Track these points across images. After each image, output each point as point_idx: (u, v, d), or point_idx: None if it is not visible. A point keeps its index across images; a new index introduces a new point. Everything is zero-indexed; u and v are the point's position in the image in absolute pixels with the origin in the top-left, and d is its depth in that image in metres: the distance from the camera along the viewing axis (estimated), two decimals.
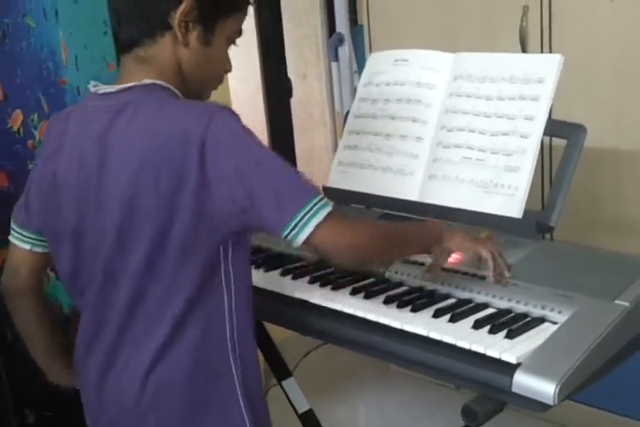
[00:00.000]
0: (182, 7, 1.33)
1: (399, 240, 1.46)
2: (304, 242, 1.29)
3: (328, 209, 1.29)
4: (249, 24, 3.41)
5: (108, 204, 1.34)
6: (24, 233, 1.51)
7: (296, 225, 1.27)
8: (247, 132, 1.29)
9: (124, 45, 1.39)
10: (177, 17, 1.34)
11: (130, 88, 1.35)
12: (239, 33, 1.45)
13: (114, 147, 1.32)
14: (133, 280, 1.35)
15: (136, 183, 1.29)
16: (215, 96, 2.85)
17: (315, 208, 1.27)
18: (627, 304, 1.35)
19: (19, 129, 2.18)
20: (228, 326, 1.37)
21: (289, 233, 1.28)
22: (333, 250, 1.33)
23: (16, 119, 2.17)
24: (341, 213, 1.32)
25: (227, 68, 1.47)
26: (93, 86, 1.40)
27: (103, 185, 1.34)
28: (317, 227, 1.27)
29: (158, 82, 1.36)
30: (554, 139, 1.99)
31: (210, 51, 1.40)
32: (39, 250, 1.52)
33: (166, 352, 1.36)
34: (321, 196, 1.30)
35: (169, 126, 1.28)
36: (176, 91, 1.38)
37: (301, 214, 1.27)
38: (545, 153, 2.36)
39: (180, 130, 1.26)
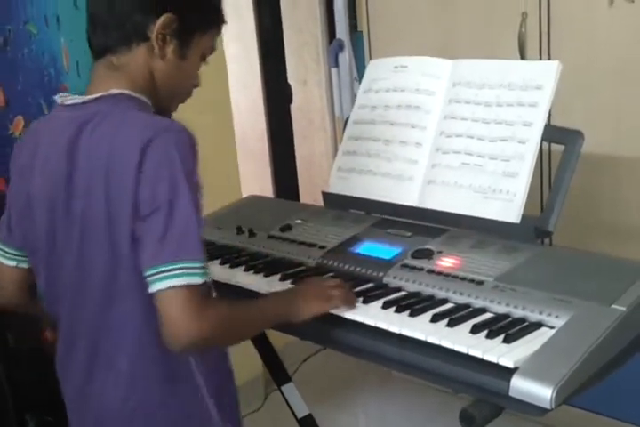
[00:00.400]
0: (162, 20, 1.34)
1: (247, 327, 1.43)
2: (155, 293, 1.25)
3: (195, 280, 1.24)
4: (249, 31, 3.44)
5: (74, 219, 1.35)
6: (7, 250, 1.51)
7: (159, 272, 1.24)
8: (184, 163, 1.27)
9: (97, 51, 1.39)
10: (156, 29, 1.35)
11: (97, 98, 1.35)
12: (212, 49, 1.47)
13: (79, 159, 1.33)
14: (96, 304, 1.37)
15: (92, 197, 1.31)
16: (216, 104, 2.87)
17: (184, 271, 1.23)
18: (624, 309, 1.36)
19: (20, 135, 2.19)
20: None
21: (149, 276, 1.25)
22: (171, 323, 1.25)
23: (17, 125, 2.18)
24: (203, 294, 1.27)
25: (196, 83, 1.49)
26: (60, 97, 1.41)
27: (70, 199, 1.35)
28: (171, 289, 1.23)
29: (127, 92, 1.36)
30: (553, 144, 2.00)
31: (184, 64, 1.41)
32: (25, 266, 1.51)
33: (136, 381, 1.38)
34: (200, 264, 1.25)
35: (120, 144, 1.28)
36: (145, 99, 1.38)
37: (169, 267, 1.23)
38: (544, 158, 2.37)
39: (127, 149, 1.27)
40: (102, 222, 1.30)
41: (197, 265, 1.25)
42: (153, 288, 1.25)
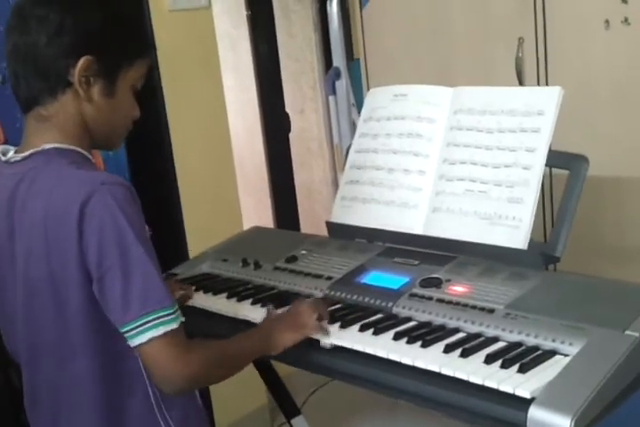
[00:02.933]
0: (81, 64, 1.31)
1: (232, 363, 1.43)
2: (137, 347, 1.28)
3: (171, 327, 1.27)
4: (246, 61, 3.45)
5: (18, 280, 1.35)
6: None
7: (135, 328, 1.26)
8: (127, 216, 1.26)
9: (24, 104, 1.37)
10: (77, 74, 1.31)
11: (31, 155, 1.34)
12: (143, 79, 1.43)
13: (17, 219, 1.33)
14: (50, 362, 1.37)
15: (33, 259, 1.31)
16: (214, 134, 2.88)
17: (158, 321, 1.25)
18: (637, 335, 1.34)
19: None
20: (150, 389, 1.38)
21: (127, 332, 1.27)
22: (160, 370, 1.29)
23: None
24: (184, 336, 1.30)
25: (134, 114, 1.44)
26: (1, 153, 1.40)
27: (14, 259, 1.35)
28: (152, 340, 1.26)
29: (58, 145, 1.34)
30: (554, 168, 1.99)
31: (114, 102, 1.38)
32: None
33: None
34: (171, 310, 1.27)
35: (56, 202, 1.28)
36: (79, 149, 1.36)
37: (142, 321, 1.25)
38: (545, 182, 2.36)
39: (65, 206, 1.26)
40: (46, 284, 1.31)
41: (169, 311, 1.27)
42: (133, 343, 1.27)
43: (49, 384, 1.41)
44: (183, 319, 1.30)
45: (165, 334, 1.26)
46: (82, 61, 1.31)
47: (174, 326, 1.27)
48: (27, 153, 1.35)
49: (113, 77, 1.36)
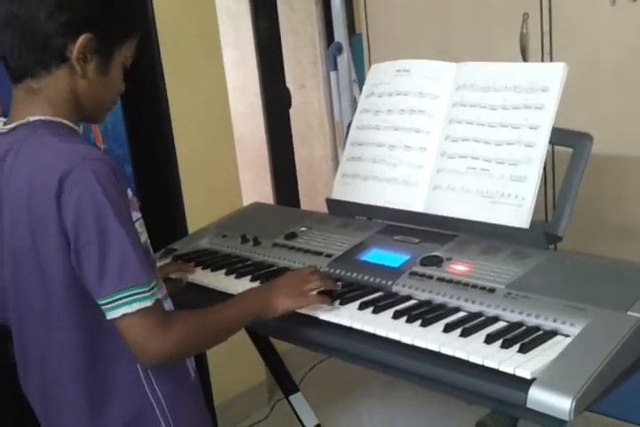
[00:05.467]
0: (81, 41, 1.31)
1: (215, 334, 1.43)
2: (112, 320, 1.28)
3: (145, 304, 1.27)
4: (246, 35, 3.41)
5: (4, 250, 1.37)
6: None
7: (109, 302, 1.26)
8: (106, 192, 1.26)
9: (16, 76, 1.36)
10: (76, 50, 1.31)
11: (16, 127, 1.35)
12: (133, 57, 1.44)
13: (4, 189, 1.34)
14: (36, 332, 1.38)
15: (18, 229, 1.32)
16: (214, 109, 2.85)
17: (132, 298, 1.26)
18: (639, 315, 1.33)
19: None
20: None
21: (103, 305, 1.27)
22: (135, 346, 1.30)
23: None
24: (160, 312, 1.31)
25: (121, 89, 1.45)
26: None
27: (2, 230, 1.36)
28: (126, 316, 1.26)
29: (44, 117, 1.34)
30: (557, 146, 1.97)
31: (107, 79, 1.39)
32: None
33: (84, 412, 1.38)
34: (147, 288, 1.27)
35: (38, 174, 1.28)
36: (65, 121, 1.36)
37: (116, 297, 1.26)
38: (547, 160, 2.34)
39: (45, 179, 1.26)
40: (29, 253, 1.32)
41: (144, 289, 1.27)
42: (108, 316, 1.28)
43: (37, 353, 1.42)
44: (160, 296, 1.31)
45: (139, 311, 1.26)
46: (82, 39, 1.31)
47: (148, 303, 1.27)
48: (13, 125, 1.35)
49: (109, 55, 1.37)
